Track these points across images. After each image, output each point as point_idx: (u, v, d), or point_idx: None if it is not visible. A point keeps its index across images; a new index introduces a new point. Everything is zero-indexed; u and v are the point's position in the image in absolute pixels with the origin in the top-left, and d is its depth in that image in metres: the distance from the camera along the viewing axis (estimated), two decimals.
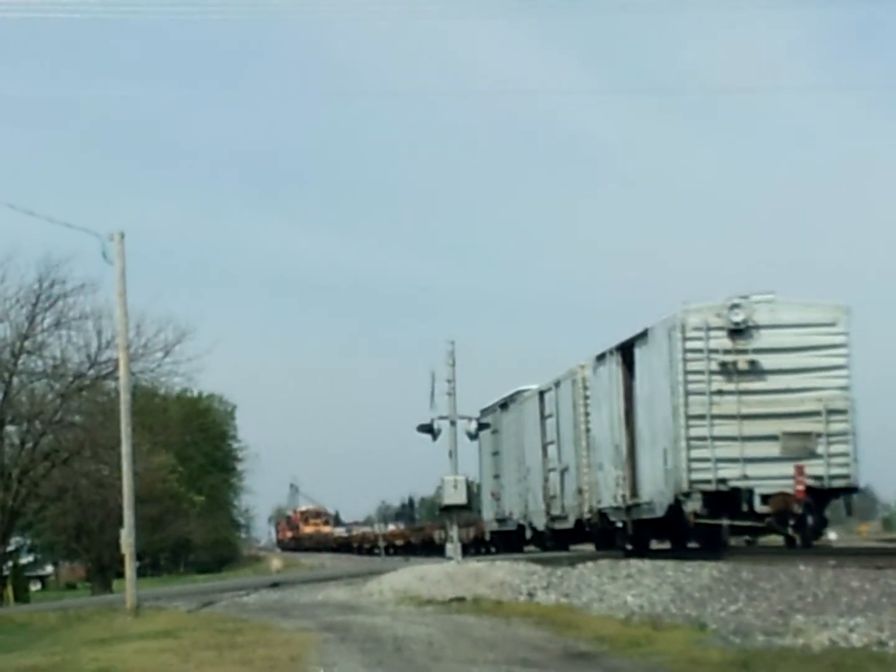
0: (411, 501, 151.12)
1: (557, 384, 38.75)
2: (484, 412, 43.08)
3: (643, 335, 31.78)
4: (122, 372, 31.68)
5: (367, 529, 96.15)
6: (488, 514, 46.11)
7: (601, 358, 34.53)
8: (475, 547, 49.97)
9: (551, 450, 39.60)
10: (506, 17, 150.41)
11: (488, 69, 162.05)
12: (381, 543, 74.36)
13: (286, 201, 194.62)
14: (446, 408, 38.26)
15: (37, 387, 51.42)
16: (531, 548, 42.91)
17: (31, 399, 50.74)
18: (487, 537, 47.91)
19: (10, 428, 50.79)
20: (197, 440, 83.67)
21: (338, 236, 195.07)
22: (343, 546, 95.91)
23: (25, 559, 66.76)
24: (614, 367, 33.41)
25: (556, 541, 40.11)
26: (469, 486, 34.86)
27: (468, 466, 46.25)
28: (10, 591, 49.67)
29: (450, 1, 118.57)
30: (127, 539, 30.48)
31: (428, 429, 37.61)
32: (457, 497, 35.45)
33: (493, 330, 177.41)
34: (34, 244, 59.46)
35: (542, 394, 40.12)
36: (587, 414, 36.55)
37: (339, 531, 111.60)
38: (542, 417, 40.14)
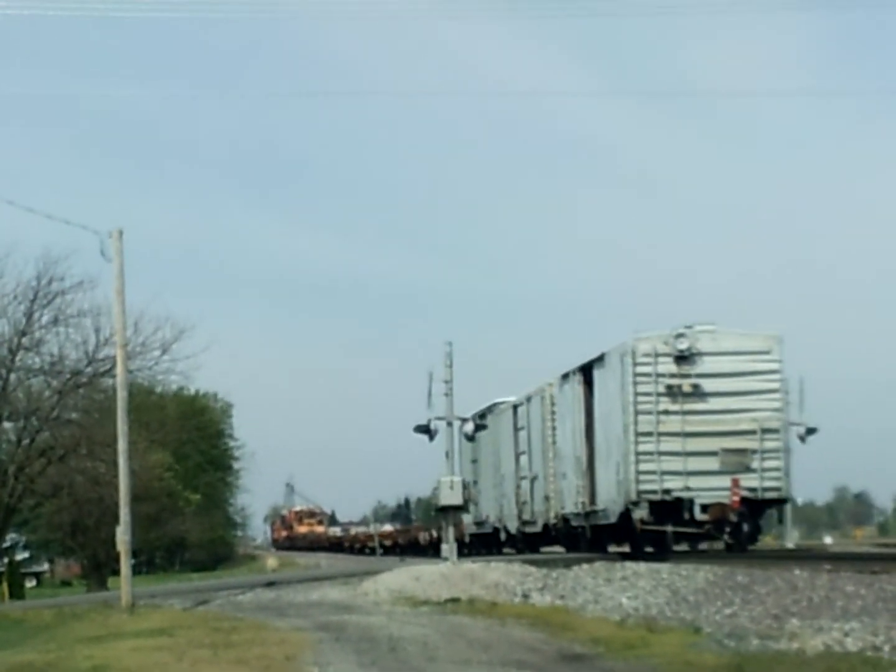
0: (407, 502, 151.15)
1: (529, 399, 41.71)
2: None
3: (600, 359, 35.27)
4: (119, 369, 31.65)
5: (360, 530, 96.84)
6: (467, 517, 47.92)
7: (566, 377, 37.78)
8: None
9: (523, 459, 42.64)
10: (506, 17, 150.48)
11: (488, 70, 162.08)
12: (377, 543, 74.42)
13: (285, 200, 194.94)
14: (444, 408, 38.33)
15: (34, 383, 51.36)
16: (508, 549, 45.16)
17: (27, 396, 50.67)
18: (467, 539, 49.59)
19: (6, 424, 50.78)
20: (194, 438, 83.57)
21: (336, 236, 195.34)
22: (336, 546, 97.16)
23: (21, 556, 66.67)
24: (576, 385, 36.77)
25: (527, 543, 42.84)
26: (466, 487, 35.41)
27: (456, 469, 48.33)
28: (5, 587, 49.62)
29: (450, 1, 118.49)
30: (123, 536, 30.45)
31: (425, 429, 37.67)
32: (453, 498, 35.61)
33: (491, 331, 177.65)
34: (33, 241, 59.65)
35: (515, 407, 42.94)
36: (554, 428, 39.54)
37: (335, 530, 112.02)
38: (516, 429, 43.08)
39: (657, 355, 32.92)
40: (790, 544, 47.89)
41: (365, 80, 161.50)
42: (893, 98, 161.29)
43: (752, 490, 32.41)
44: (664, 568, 27.10)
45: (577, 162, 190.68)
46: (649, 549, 33.61)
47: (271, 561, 73.91)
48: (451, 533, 37.42)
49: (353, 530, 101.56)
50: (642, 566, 28.16)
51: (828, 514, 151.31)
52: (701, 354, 32.77)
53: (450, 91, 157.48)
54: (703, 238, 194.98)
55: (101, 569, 57.84)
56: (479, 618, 22.74)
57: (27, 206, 31.75)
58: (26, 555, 71.22)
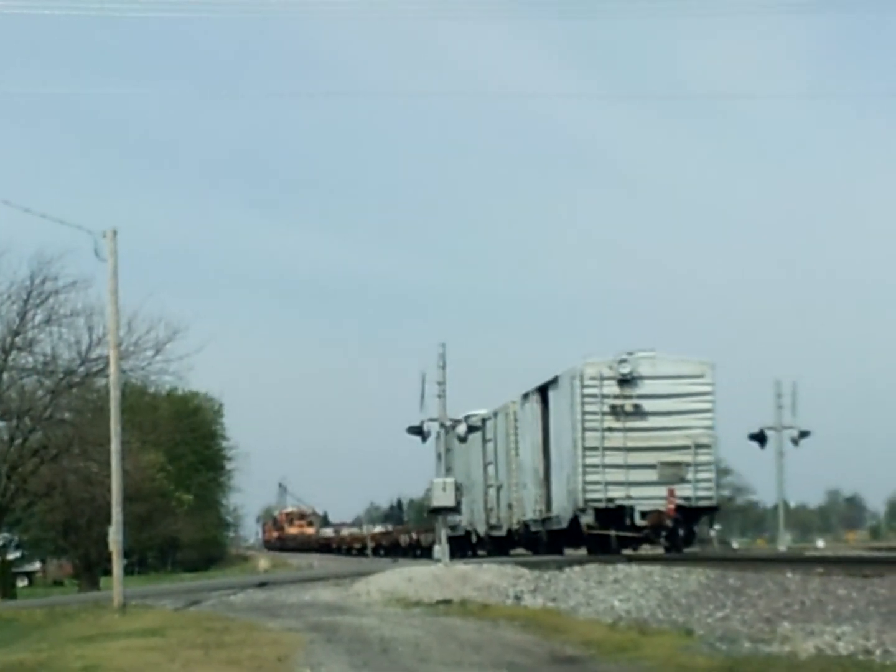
0: (400, 503, 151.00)
1: (496, 414, 44.98)
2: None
3: (554, 381, 38.97)
4: (112, 369, 31.65)
5: (351, 531, 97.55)
6: None
7: (526, 396, 41.44)
8: (426, 551, 55.06)
9: (490, 469, 46.34)
10: (504, 19, 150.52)
11: (486, 71, 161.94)
12: (369, 545, 74.50)
13: (281, 201, 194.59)
14: (436, 410, 38.34)
15: (27, 383, 51.30)
16: (481, 552, 47.81)
17: (21, 395, 50.60)
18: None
19: None
20: (187, 439, 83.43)
21: (332, 236, 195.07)
22: (324, 547, 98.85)
23: (13, 555, 66.54)
24: (534, 404, 40.34)
25: (494, 546, 45.76)
26: (458, 488, 36.03)
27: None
28: None
29: (449, 4, 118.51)
30: (115, 536, 30.44)
31: (418, 431, 37.73)
32: (445, 499, 35.74)
33: (486, 332, 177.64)
34: (27, 240, 59.54)
35: (484, 421, 45.30)
36: (516, 441, 42.92)
37: (328, 531, 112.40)
38: (484, 441, 46.11)
39: (602, 378, 36.58)
40: (782, 547, 48.74)
41: (363, 81, 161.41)
42: (891, 100, 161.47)
43: (687, 499, 36.10)
44: (656, 570, 27.12)
45: (574, 163, 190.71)
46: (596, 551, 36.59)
47: (263, 562, 73.91)
48: (444, 534, 37.46)
49: (346, 531, 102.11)
50: (634, 569, 28.18)
51: (820, 518, 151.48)
52: (641, 378, 36.42)
53: (448, 92, 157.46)
54: (702, 239, 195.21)
55: (93, 569, 57.78)
56: (471, 619, 22.75)
57: (22, 206, 31.77)
58: (18, 554, 71.07)
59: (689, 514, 36.33)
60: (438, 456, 38.73)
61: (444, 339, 40.17)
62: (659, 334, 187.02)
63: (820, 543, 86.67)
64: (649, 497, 35.93)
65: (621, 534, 35.97)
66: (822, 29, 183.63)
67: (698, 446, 36.41)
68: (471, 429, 39.29)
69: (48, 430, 50.51)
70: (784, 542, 50.91)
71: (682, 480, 36.08)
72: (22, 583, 64.79)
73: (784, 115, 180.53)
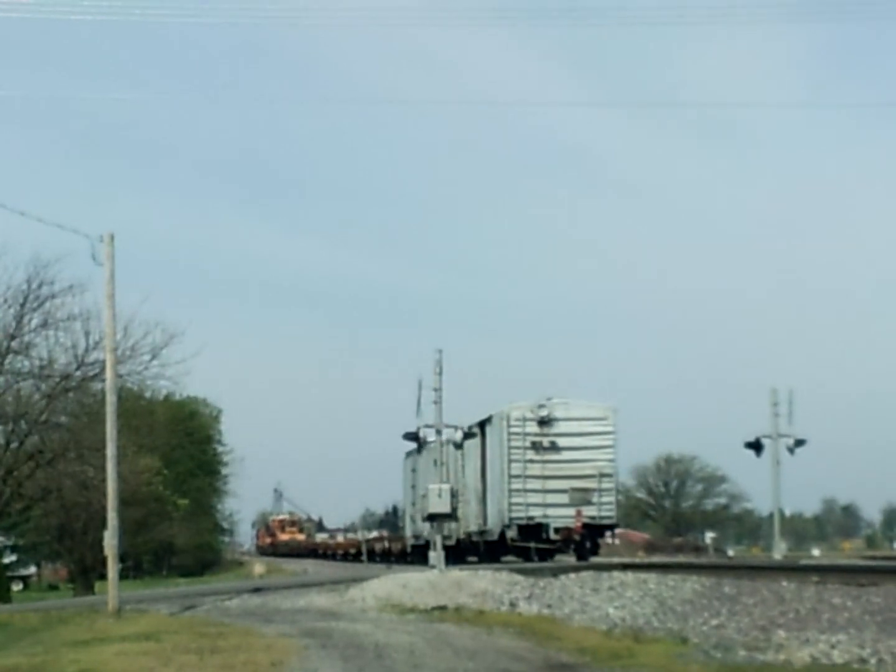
0: (395, 509, 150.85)
1: (449, 442, 49.28)
2: (408, 454, 56.60)
3: (489, 419, 46.15)
4: (108, 374, 31.61)
5: (345, 537, 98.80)
6: (409, 531, 59.99)
7: (471, 428, 44.56)
8: (401, 557, 62.18)
9: None
10: (499, 28, 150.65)
11: (481, 79, 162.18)
12: (364, 550, 74.74)
13: (277, 207, 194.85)
14: (433, 416, 38.36)
15: (23, 387, 51.13)
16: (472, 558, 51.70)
17: (16, 399, 50.47)
18: (409, 550, 60.06)
19: None
20: (183, 444, 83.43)
21: (330, 243, 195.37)
22: (312, 552, 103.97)
23: (8, 559, 66.47)
24: (476, 437, 45.15)
25: (447, 554, 49.59)
26: (454, 495, 37.33)
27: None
28: None
29: (448, 12, 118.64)
30: (110, 541, 30.39)
31: (414, 437, 37.85)
32: (441, 506, 35.87)
33: (482, 339, 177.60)
34: (24, 244, 59.28)
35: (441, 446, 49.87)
36: (463, 466, 49.12)
37: (323, 536, 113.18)
38: (439, 464, 49.05)
39: (525, 420, 44.02)
40: (778, 556, 49.27)
41: (361, 88, 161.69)
42: (888, 109, 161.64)
43: (592, 518, 43.57)
44: (651, 578, 27.13)
45: (570, 171, 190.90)
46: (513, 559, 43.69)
47: (258, 567, 73.72)
48: (439, 541, 37.47)
49: (341, 537, 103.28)
50: (629, 576, 28.19)
51: (816, 526, 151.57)
52: (556, 419, 43.76)
53: (443, 100, 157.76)
54: (698, 247, 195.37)
55: (88, 573, 57.72)
56: (465, 626, 22.72)
57: (19, 209, 31.70)
58: (14, 558, 71.00)
59: (594, 530, 44.02)
60: (435, 462, 42.29)
61: (441, 345, 40.47)
62: (655, 342, 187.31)
63: (815, 552, 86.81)
64: (562, 516, 43.30)
65: (539, 545, 43.37)
66: (819, 38, 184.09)
67: (602, 475, 43.85)
68: (466, 435, 40.78)
69: (44, 434, 50.41)
70: (780, 551, 51.25)
71: (589, 503, 43.50)
72: (17, 587, 64.83)
73: (781, 123, 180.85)
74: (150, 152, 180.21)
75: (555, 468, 43.43)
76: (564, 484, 43.34)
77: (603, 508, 43.75)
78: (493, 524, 45.68)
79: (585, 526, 43.12)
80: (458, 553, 48.29)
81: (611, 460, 44.01)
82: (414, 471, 56.72)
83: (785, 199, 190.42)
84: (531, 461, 43.50)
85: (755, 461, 51.59)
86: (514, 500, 43.33)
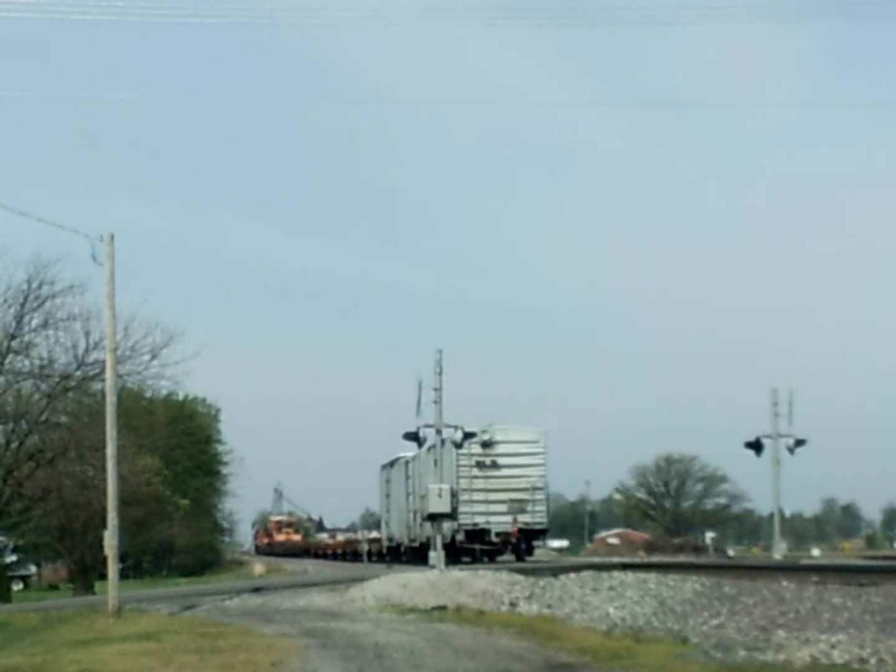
0: None
1: (415, 458, 56.46)
2: (383, 467, 65.19)
3: (443, 442, 47.20)
4: (108, 374, 31.61)
5: (345, 536, 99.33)
6: (384, 534, 68.22)
7: (428, 449, 48.98)
8: (379, 557, 68.06)
9: (410, 498, 58.16)
10: (500, 28, 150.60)
11: (482, 79, 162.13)
12: (364, 550, 74.70)
13: (277, 207, 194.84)
14: (433, 416, 38.38)
15: (23, 387, 51.10)
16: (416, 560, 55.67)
17: (17, 399, 50.43)
18: (385, 551, 66.93)
19: None
20: (182, 443, 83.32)
21: (330, 242, 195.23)
22: (304, 552, 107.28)
23: (8, 559, 66.41)
24: (432, 455, 47.49)
25: (412, 554, 57.18)
26: (454, 494, 37.69)
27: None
28: None
29: (445, 12, 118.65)
30: (110, 541, 30.40)
31: (414, 436, 37.93)
32: (441, 506, 35.89)
33: (483, 339, 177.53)
34: (24, 244, 59.23)
35: (407, 462, 58.61)
36: (422, 480, 53.24)
37: (324, 536, 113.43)
38: (407, 477, 58.84)
39: (471, 443, 48.19)
40: (778, 556, 49.39)
41: (362, 88, 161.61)
42: (884, 109, 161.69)
43: (527, 524, 50.31)
44: (651, 578, 27.12)
45: (571, 171, 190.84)
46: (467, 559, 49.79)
47: (258, 567, 73.78)
48: (439, 541, 37.46)
49: (341, 536, 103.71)
50: (629, 576, 28.18)
51: (816, 526, 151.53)
52: (497, 442, 50.56)
53: (444, 100, 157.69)
54: (698, 247, 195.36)
55: (88, 573, 57.66)
56: (465, 626, 22.71)
57: (19, 210, 31.69)
58: (14, 558, 70.94)
59: (529, 534, 50.89)
60: (434, 462, 43.86)
61: (441, 345, 40.61)
62: (654, 343, 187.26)
63: (815, 552, 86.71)
64: (501, 522, 50.01)
65: (482, 547, 50.25)
66: (819, 38, 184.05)
67: (535, 488, 50.64)
68: (466, 435, 43.39)
69: (44, 433, 50.39)
70: (780, 551, 51.40)
71: (523, 511, 50.32)
72: (17, 586, 64.72)
73: (778, 123, 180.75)
74: (150, 152, 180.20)
75: (496, 483, 50.30)
76: (504, 496, 50.27)
77: (536, 516, 50.77)
78: (446, 529, 50.80)
79: (521, 531, 50.28)
80: (419, 553, 53.96)
81: (542, 475, 51.16)
82: (388, 482, 64.81)
83: (784, 198, 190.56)
84: (476, 477, 50.34)
85: (755, 461, 51.71)
86: (462, 509, 48.88)
